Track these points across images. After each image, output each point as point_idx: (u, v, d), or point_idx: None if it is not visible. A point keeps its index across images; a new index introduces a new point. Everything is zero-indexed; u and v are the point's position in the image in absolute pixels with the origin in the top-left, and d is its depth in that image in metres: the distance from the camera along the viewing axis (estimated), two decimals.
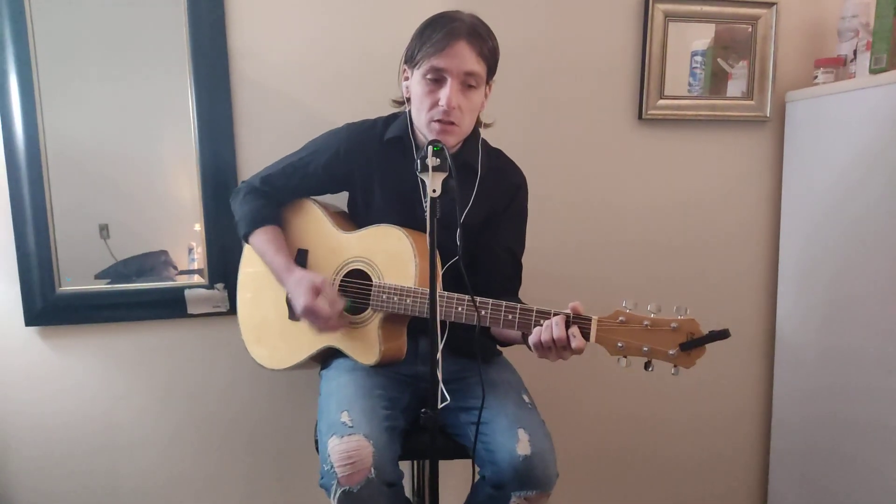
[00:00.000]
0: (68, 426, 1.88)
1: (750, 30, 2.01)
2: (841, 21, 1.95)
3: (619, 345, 1.20)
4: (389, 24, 1.84)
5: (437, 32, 1.35)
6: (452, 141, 1.42)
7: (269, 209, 1.58)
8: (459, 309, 1.34)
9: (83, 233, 1.80)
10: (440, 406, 1.21)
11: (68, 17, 1.73)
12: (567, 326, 1.23)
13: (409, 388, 1.49)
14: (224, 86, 1.79)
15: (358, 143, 1.53)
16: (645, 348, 1.19)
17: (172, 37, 1.76)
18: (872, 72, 1.77)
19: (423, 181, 1.14)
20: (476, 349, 1.30)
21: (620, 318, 1.20)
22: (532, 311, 1.27)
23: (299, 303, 1.42)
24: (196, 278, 1.87)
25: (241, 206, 1.59)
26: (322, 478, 1.27)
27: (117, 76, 1.76)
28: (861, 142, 1.80)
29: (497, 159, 1.58)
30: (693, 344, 1.16)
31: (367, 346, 1.46)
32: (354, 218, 1.59)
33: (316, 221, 1.58)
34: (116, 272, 1.83)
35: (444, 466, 1.28)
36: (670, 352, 1.17)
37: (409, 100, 1.46)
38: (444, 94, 1.35)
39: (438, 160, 1.12)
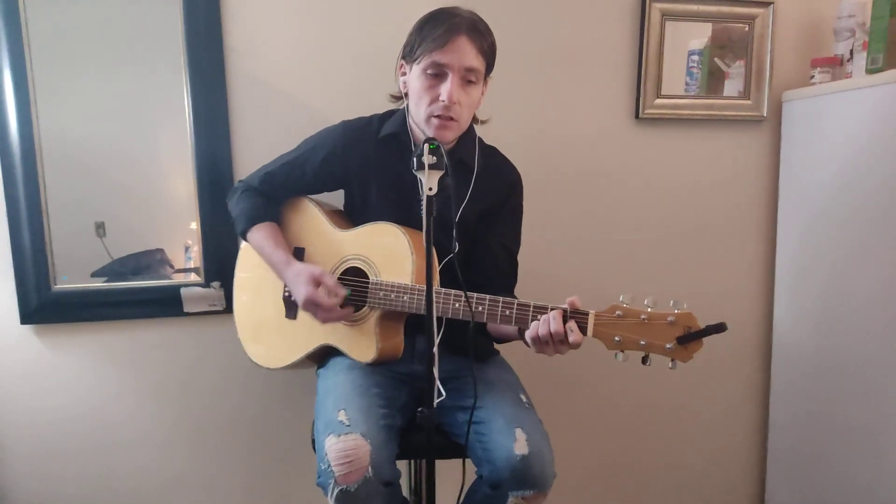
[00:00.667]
0: (64, 424, 1.87)
1: (746, 29, 2.02)
2: (837, 21, 1.95)
3: (617, 339, 1.20)
4: (386, 20, 1.84)
5: (438, 28, 1.35)
6: (451, 136, 1.42)
7: (266, 207, 1.58)
8: (456, 305, 1.33)
9: (79, 231, 1.79)
10: (436, 401, 1.21)
11: (63, 14, 1.72)
12: (564, 321, 1.22)
13: (406, 386, 1.49)
14: (220, 83, 1.79)
15: (354, 141, 1.53)
16: (642, 342, 1.19)
17: (168, 33, 1.75)
18: (869, 71, 1.77)
19: (419, 179, 1.14)
20: (469, 345, 1.30)
21: (617, 313, 1.21)
22: (529, 305, 1.27)
23: (300, 294, 1.41)
24: (192, 276, 1.87)
25: (238, 203, 1.59)
26: (319, 477, 1.27)
27: (113, 73, 1.76)
28: (858, 141, 1.80)
29: (492, 157, 1.58)
30: (690, 337, 1.16)
31: (364, 343, 1.46)
32: (351, 216, 1.58)
33: (313, 219, 1.58)
34: (112, 270, 1.83)
35: (442, 465, 1.28)
36: (667, 346, 1.17)
37: (406, 94, 1.45)
38: (444, 88, 1.35)
39: (434, 158, 1.12)
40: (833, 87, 1.89)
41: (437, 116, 1.37)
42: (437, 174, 1.13)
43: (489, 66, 1.43)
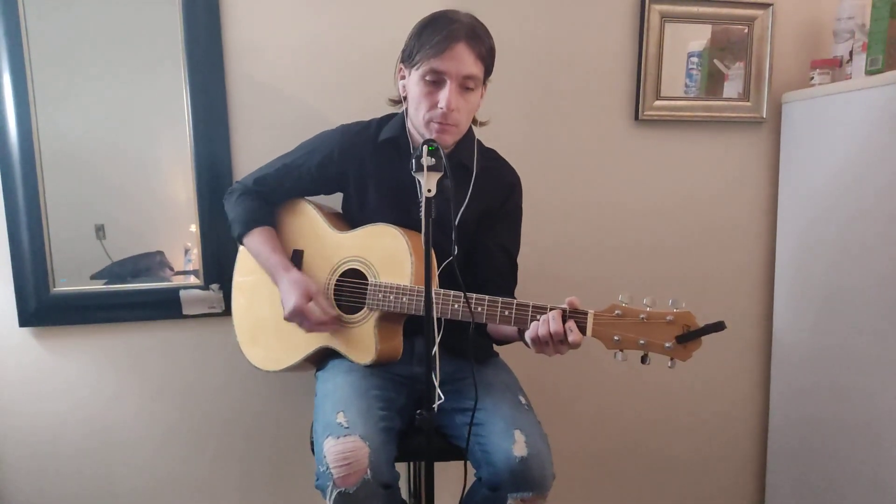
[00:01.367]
0: (63, 427, 1.87)
1: (746, 31, 2.02)
2: (837, 22, 1.95)
3: (616, 338, 1.20)
4: (386, 22, 1.84)
5: (437, 34, 1.34)
6: (450, 140, 1.42)
7: (263, 210, 1.58)
8: (455, 306, 1.33)
9: (79, 233, 1.79)
10: (434, 405, 1.20)
11: (62, 16, 1.72)
12: (564, 321, 1.22)
13: (405, 388, 1.49)
14: (219, 85, 1.79)
15: (351, 145, 1.53)
16: (641, 341, 1.19)
17: (167, 36, 1.75)
18: (868, 73, 1.77)
19: (418, 181, 1.14)
20: (469, 347, 1.30)
21: (616, 312, 1.20)
22: (528, 306, 1.27)
23: (290, 303, 1.42)
24: (192, 279, 1.87)
25: (235, 206, 1.59)
26: (318, 479, 1.26)
27: (112, 75, 1.76)
28: (857, 143, 1.80)
29: (491, 159, 1.57)
30: (689, 336, 1.16)
31: (362, 345, 1.45)
32: (349, 219, 1.58)
33: (311, 222, 1.58)
34: (112, 273, 1.82)
35: (441, 468, 1.28)
36: (666, 345, 1.17)
37: (405, 98, 1.45)
38: (443, 96, 1.35)
39: (433, 160, 1.12)
40: (833, 89, 1.89)
41: (437, 122, 1.37)
42: (436, 175, 1.13)
43: (488, 71, 1.42)
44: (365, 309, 1.45)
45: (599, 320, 1.21)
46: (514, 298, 1.31)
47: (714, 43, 2.01)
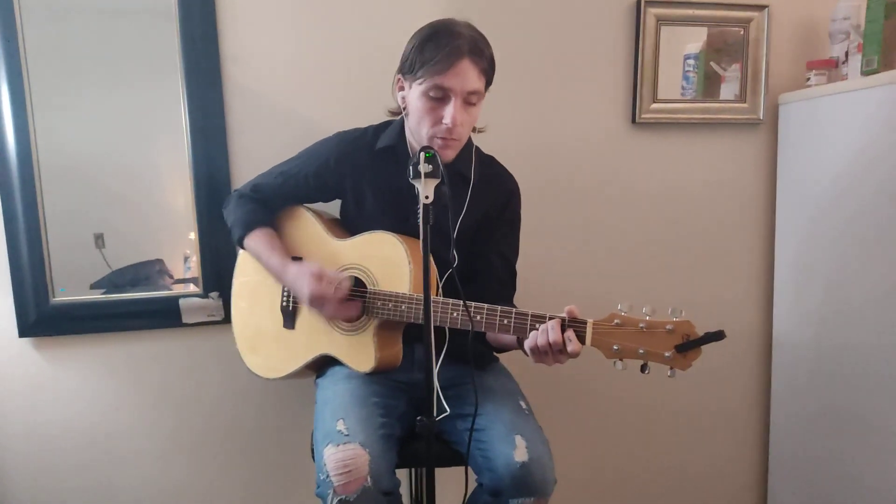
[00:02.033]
0: (63, 436, 1.87)
1: (742, 33, 2.02)
2: (832, 23, 1.96)
3: (615, 348, 1.20)
4: (382, 31, 1.85)
5: (440, 50, 1.32)
6: (452, 155, 1.42)
7: (262, 213, 1.58)
8: (454, 315, 1.33)
9: (78, 242, 1.79)
10: (438, 417, 1.20)
11: (59, 27, 1.73)
12: (563, 330, 1.22)
13: (405, 395, 1.49)
14: (217, 94, 1.79)
15: (348, 153, 1.53)
16: (641, 351, 1.18)
17: (165, 45, 1.75)
18: (864, 73, 1.77)
19: (417, 189, 1.14)
20: (470, 355, 1.29)
21: (616, 321, 1.20)
22: (527, 315, 1.27)
23: (304, 291, 1.41)
24: (191, 287, 1.87)
25: (234, 211, 1.59)
26: (318, 487, 1.26)
27: (109, 85, 1.76)
28: (854, 143, 1.80)
29: (490, 166, 1.57)
30: (689, 346, 1.16)
31: (362, 353, 1.45)
32: (347, 226, 1.58)
33: (310, 229, 1.58)
34: (111, 282, 1.82)
35: (442, 474, 1.28)
36: (666, 354, 1.17)
37: (404, 110, 1.44)
38: (448, 112, 1.34)
39: (431, 166, 1.12)
40: (829, 90, 1.89)
41: (441, 138, 1.37)
42: (434, 182, 1.13)
43: (489, 83, 1.42)
44: (364, 316, 1.45)
45: (598, 329, 1.21)
46: (514, 307, 1.31)
47: (710, 45, 2.01)
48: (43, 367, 1.84)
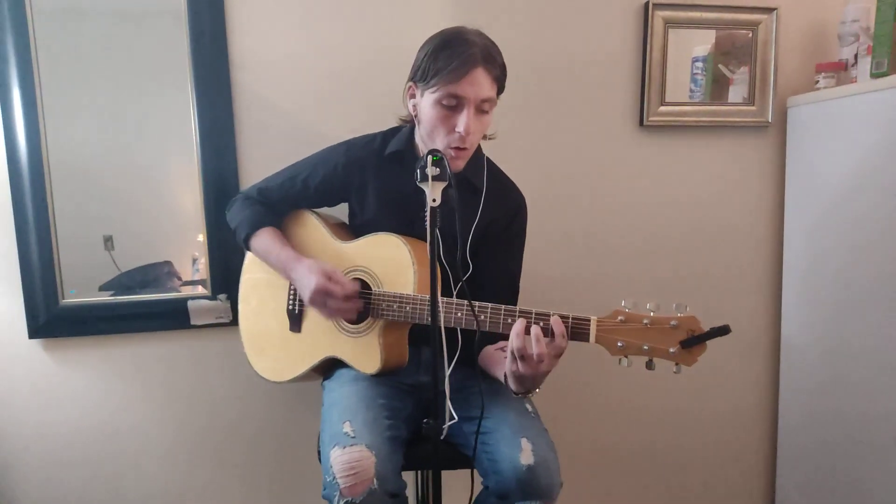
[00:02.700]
0: (72, 437, 1.88)
1: (750, 35, 2.01)
2: (841, 25, 1.95)
3: (620, 344, 1.19)
4: (390, 34, 1.85)
5: (454, 58, 1.32)
6: (462, 164, 1.42)
7: (267, 213, 1.59)
8: (459, 314, 1.33)
9: (88, 244, 1.81)
10: (447, 424, 1.20)
11: (70, 31, 1.74)
12: (567, 328, 1.22)
13: (411, 397, 1.49)
14: (225, 97, 1.80)
15: (356, 159, 1.53)
16: (645, 347, 1.18)
17: (174, 48, 1.77)
18: (873, 76, 1.77)
19: (426, 192, 1.13)
20: (475, 357, 1.29)
21: (620, 318, 1.20)
22: (531, 312, 1.26)
23: (310, 284, 1.39)
24: (199, 289, 1.88)
25: (240, 211, 1.59)
26: (325, 489, 1.27)
27: (119, 88, 1.77)
28: (863, 146, 1.79)
29: (498, 178, 1.56)
30: (694, 341, 1.15)
31: (368, 355, 1.46)
32: (354, 230, 1.58)
33: (314, 232, 1.59)
34: (120, 283, 1.84)
35: (448, 476, 1.28)
36: (671, 350, 1.16)
37: (416, 117, 1.44)
38: (461, 121, 1.34)
39: (438, 170, 1.12)
40: (838, 92, 1.88)
41: (454, 148, 1.36)
42: (441, 185, 1.13)
43: (501, 90, 1.41)
44: (369, 318, 1.46)
45: (603, 326, 1.21)
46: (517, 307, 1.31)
47: (718, 48, 2.01)
48: (52, 368, 1.85)
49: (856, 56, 1.90)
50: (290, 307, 1.57)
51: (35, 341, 1.82)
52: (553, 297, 1.96)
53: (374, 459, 1.24)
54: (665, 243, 2.09)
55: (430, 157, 1.12)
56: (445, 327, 1.35)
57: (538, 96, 1.96)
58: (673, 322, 1.16)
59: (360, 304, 1.43)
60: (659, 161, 2.05)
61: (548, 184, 1.96)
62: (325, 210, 1.65)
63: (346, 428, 1.30)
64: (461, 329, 1.37)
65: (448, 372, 1.30)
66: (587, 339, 1.22)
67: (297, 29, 1.83)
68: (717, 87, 2.03)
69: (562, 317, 1.22)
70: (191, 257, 1.89)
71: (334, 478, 1.23)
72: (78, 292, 1.81)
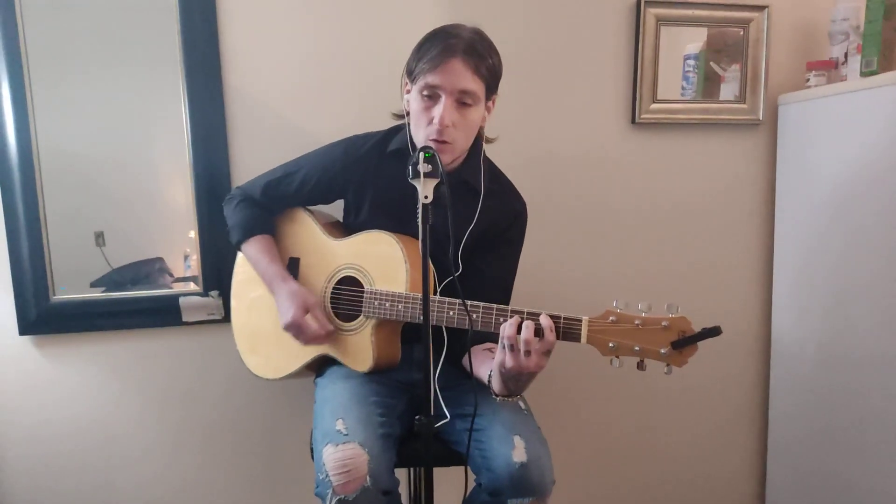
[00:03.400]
0: (63, 435, 1.88)
1: (742, 33, 2.02)
2: (832, 24, 1.96)
3: (611, 345, 1.20)
4: (383, 34, 1.85)
5: (434, 48, 1.32)
6: (447, 159, 1.39)
7: (262, 219, 1.58)
8: (451, 313, 1.33)
9: (79, 241, 1.80)
10: (437, 425, 1.20)
11: (60, 25, 1.73)
12: (557, 329, 1.22)
13: (404, 394, 1.49)
14: (217, 93, 1.80)
15: (355, 157, 1.52)
16: (636, 348, 1.18)
17: (165, 43, 1.76)
18: (863, 74, 1.78)
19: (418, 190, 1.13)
20: (468, 355, 1.30)
21: (611, 318, 1.20)
22: (523, 312, 1.26)
23: (287, 315, 1.43)
24: (191, 286, 1.87)
25: (235, 213, 1.59)
26: (317, 486, 1.27)
27: (110, 84, 1.76)
28: (853, 143, 1.80)
29: (498, 181, 1.55)
30: (685, 342, 1.15)
31: (360, 353, 1.46)
32: (349, 228, 1.57)
33: (308, 230, 1.58)
34: (111, 280, 1.83)
35: (441, 473, 1.28)
36: (662, 350, 1.17)
37: (408, 113, 1.44)
38: (437, 111, 1.33)
39: (430, 166, 1.12)
40: (828, 91, 1.89)
41: (433, 140, 1.34)
42: (432, 182, 1.13)
43: (490, 87, 1.39)
44: (361, 317, 1.46)
45: (594, 327, 1.21)
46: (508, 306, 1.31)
47: (710, 45, 2.01)
48: (43, 365, 1.84)
49: (846, 54, 1.91)
50: None
51: (26, 338, 1.81)
52: (544, 293, 1.96)
53: (367, 457, 1.24)
54: (656, 240, 2.10)
55: (421, 154, 1.12)
56: (438, 326, 1.36)
57: (530, 93, 1.96)
58: (664, 323, 1.17)
59: (331, 340, 1.46)
60: (650, 159, 2.06)
61: (539, 181, 1.97)
62: (318, 207, 1.65)
63: (339, 425, 1.30)
64: (449, 328, 1.37)
65: (437, 369, 1.30)
66: (578, 340, 1.22)
67: (291, 26, 1.83)
68: (709, 85, 2.04)
69: (553, 317, 1.23)
70: (182, 254, 1.88)
71: (327, 475, 1.24)
72: (69, 289, 1.81)
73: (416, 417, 1.15)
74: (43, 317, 1.79)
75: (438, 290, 1.41)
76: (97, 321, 1.82)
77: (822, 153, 1.91)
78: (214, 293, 1.86)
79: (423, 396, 1.16)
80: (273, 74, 1.83)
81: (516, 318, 1.23)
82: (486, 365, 1.34)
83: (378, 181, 1.51)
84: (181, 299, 1.84)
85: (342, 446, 1.25)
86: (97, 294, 1.82)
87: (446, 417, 1.29)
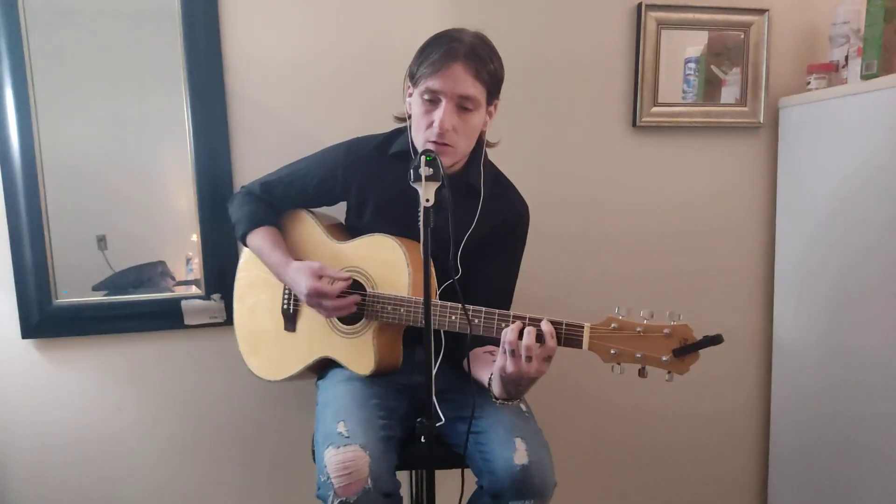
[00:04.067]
0: (66, 438, 1.88)
1: (742, 37, 2.03)
2: (832, 27, 1.96)
3: (613, 352, 1.20)
4: (385, 39, 1.85)
5: (436, 53, 1.32)
6: (447, 161, 1.39)
7: (266, 212, 1.59)
8: (453, 318, 1.33)
9: (81, 244, 1.80)
10: (438, 424, 1.20)
11: (64, 30, 1.74)
12: (558, 336, 1.22)
13: (405, 397, 1.49)
14: (219, 97, 1.80)
15: (358, 159, 1.52)
16: (638, 355, 1.18)
17: (168, 48, 1.76)
18: (864, 77, 1.78)
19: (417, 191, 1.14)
20: (467, 359, 1.29)
21: (613, 325, 1.20)
22: (525, 317, 1.27)
23: (303, 287, 1.40)
24: (193, 289, 1.88)
25: (240, 208, 1.59)
26: (319, 489, 1.27)
27: (113, 87, 1.77)
28: (854, 146, 1.81)
29: (500, 184, 1.55)
30: (686, 350, 1.15)
31: (362, 355, 1.46)
32: (352, 231, 1.58)
33: (310, 232, 1.59)
34: (113, 283, 1.83)
35: (442, 476, 1.28)
36: (664, 358, 1.16)
37: (409, 116, 1.44)
38: (437, 115, 1.33)
39: (431, 170, 1.12)
40: (829, 94, 1.90)
41: (433, 142, 1.35)
42: (434, 185, 1.13)
43: (491, 92, 1.39)
44: (363, 320, 1.46)
45: (595, 334, 1.21)
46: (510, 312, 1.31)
47: (711, 49, 2.02)
48: (45, 368, 1.84)
49: (846, 57, 1.91)
50: (285, 307, 1.57)
51: (28, 341, 1.82)
52: (545, 297, 1.97)
53: (369, 459, 1.24)
54: (657, 244, 2.10)
55: (423, 158, 1.12)
56: (438, 330, 1.36)
57: (531, 97, 1.96)
58: (666, 330, 1.16)
59: (356, 298, 1.43)
60: (652, 162, 2.06)
61: (540, 184, 1.96)
62: (321, 210, 1.65)
63: (341, 428, 1.30)
64: (448, 332, 1.37)
65: (434, 368, 1.30)
66: (580, 346, 1.22)
67: (293, 30, 1.83)
68: (710, 88, 2.04)
69: (554, 323, 1.23)
70: (184, 257, 1.88)
71: (328, 478, 1.24)
72: (71, 292, 1.81)
73: (418, 420, 1.15)
74: (45, 320, 1.79)
75: (439, 293, 1.41)
76: (99, 325, 1.83)
77: (824, 156, 1.91)
78: (216, 296, 1.86)
79: (424, 399, 1.17)
80: (275, 78, 1.84)
81: (518, 324, 1.23)
82: (487, 368, 1.34)
83: (380, 183, 1.51)
84: (183, 303, 1.85)
85: (343, 448, 1.25)
86: (99, 298, 1.83)
87: (442, 420, 1.29)
